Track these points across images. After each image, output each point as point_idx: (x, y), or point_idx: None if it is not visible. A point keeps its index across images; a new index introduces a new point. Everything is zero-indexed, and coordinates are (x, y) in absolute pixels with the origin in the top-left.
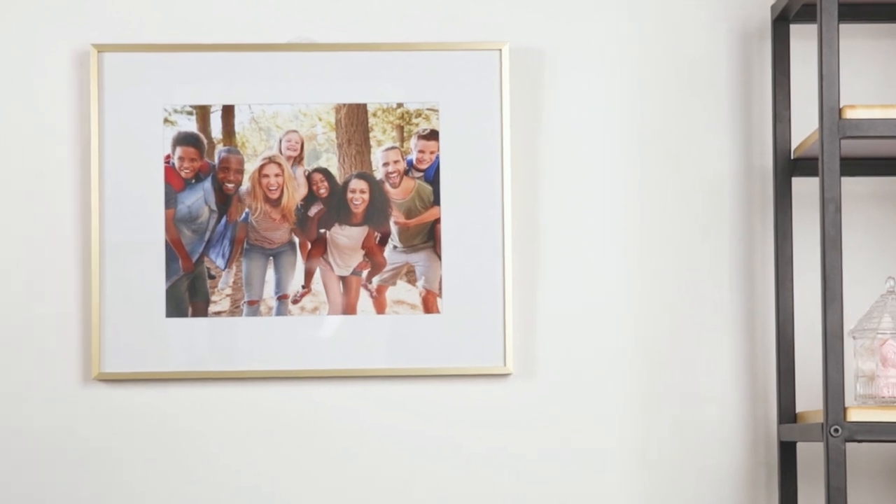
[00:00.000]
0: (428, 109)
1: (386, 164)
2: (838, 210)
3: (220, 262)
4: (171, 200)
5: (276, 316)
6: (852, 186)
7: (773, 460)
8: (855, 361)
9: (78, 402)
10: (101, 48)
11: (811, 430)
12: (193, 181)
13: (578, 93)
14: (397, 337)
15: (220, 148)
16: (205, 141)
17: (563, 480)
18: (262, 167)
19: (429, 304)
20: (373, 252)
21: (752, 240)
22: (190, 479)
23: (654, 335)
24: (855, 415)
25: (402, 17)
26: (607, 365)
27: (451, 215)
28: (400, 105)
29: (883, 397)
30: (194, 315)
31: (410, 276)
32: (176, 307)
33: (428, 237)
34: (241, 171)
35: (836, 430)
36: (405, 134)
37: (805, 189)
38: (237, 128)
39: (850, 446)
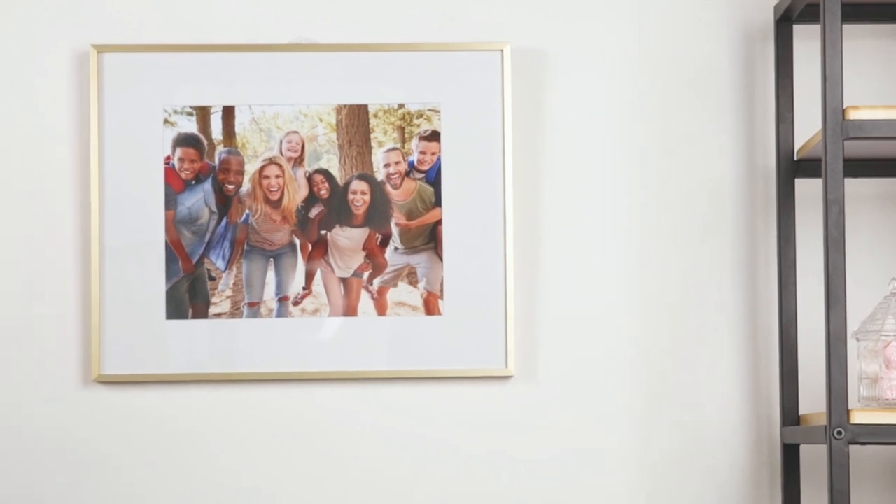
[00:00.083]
0: (429, 110)
1: (387, 166)
2: (842, 211)
3: (221, 264)
4: (171, 202)
5: (277, 318)
6: (856, 188)
7: (776, 463)
8: (858, 363)
9: (78, 404)
10: (101, 48)
11: (814, 433)
12: (193, 182)
13: (580, 93)
14: (398, 339)
15: (220, 149)
16: (205, 142)
17: (565, 483)
18: (262, 168)
19: (430, 306)
20: (374, 253)
21: (754, 241)
22: (190, 481)
23: (656, 337)
24: (858, 417)
25: (402, 18)
26: (609, 367)
27: (453, 217)
28: (401, 106)
29: (886, 399)
30: (194, 317)
31: (412, 278)
32: (176, 309)
33: (429, 238)
34: (241, 173)
35: (840, 433)
36: (406, 135)
37: (808, 190)
38: (237, 129)
39: (853, 449)
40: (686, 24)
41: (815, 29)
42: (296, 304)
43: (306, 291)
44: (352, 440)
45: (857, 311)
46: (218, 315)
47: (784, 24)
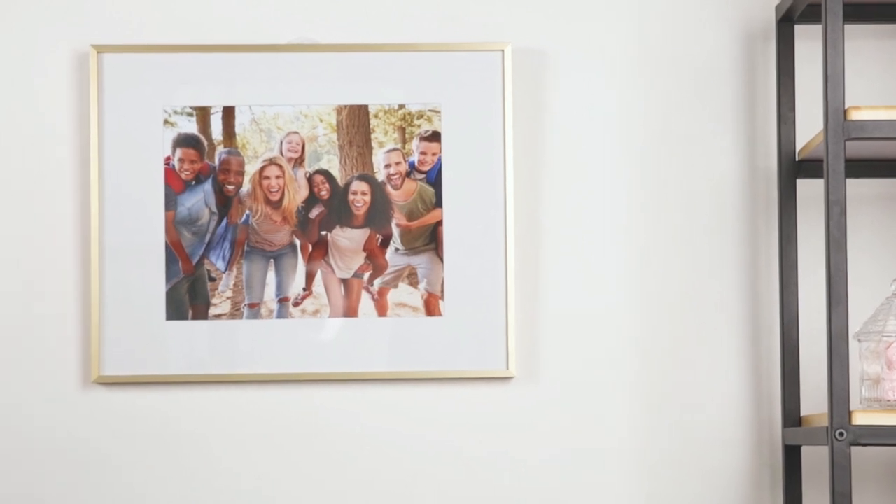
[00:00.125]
0: (430, 111)
1: (388, 166)
2: (843, 212)
3: (221, 265)
4: (171, 202)
5: (277, 319)
6: (857, 188)
7: (777, 464)
8: (860, 364)
9: (77, 406)
10: (101, 49)
11: (816, 434)
12: (193, 183)
13: (581, 94)
14: (399, 340)
15: (220, 149)
16: (205, 142)
17: (566, 484)
18: (262, 169)
19: (431, 307)
20: (374, 254)
21: (756, 242)
22: (190, 482)
23: (657, 338)
24: (860, 418)
25: (403, 18)
26: (611, 368)
27: (454, 217)
28: (402, 106)
29: (888, 400)
30: (194, 318)
31: (412, 279)
32: (176, 310)
33: (430, 239)
34: (241, 173)
35: (841, 434)
36: (407, 135)
37: (810, 191)
38: (238, 129)
39: (855, 450)
40: (687, 25)
41: (816, 29)
42: (296, 304)
43: (307, 292)
44: (352, 441)
45: (858, 311)
46: (218, 316)
47: (785, 24)
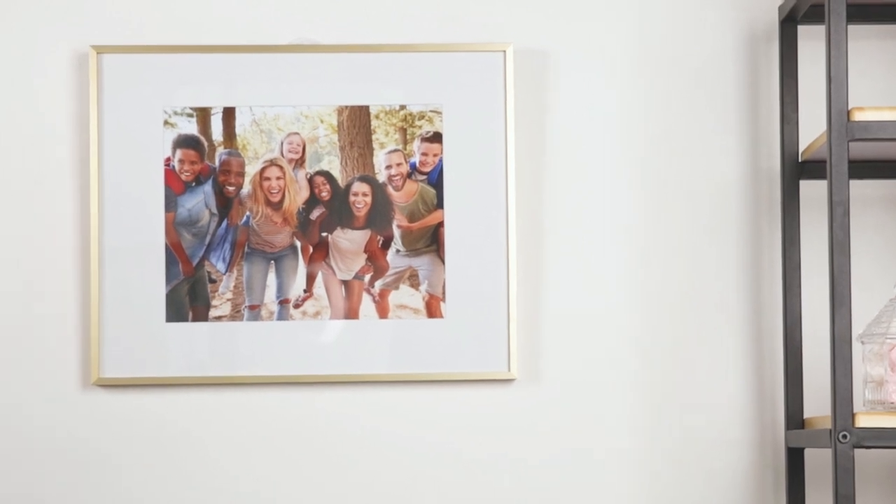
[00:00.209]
0: (431, 111)
1: (389, 167)
2: (846, 213)
3: (221, 266)
4: (171, 203)
5: (278, 320)
6: (861, 189)
7: (780, 466)
8: (863, 366)
9: (77, 408)
10: (101, 49)
11: (819, 437)
12: (194, 184)
13: (582, 94)
14: (400, 342)
15: (220, 150)
16: (205, 143)
17: (568, 486)
18: (263, 170)
19: (432, 309)
20: (375, 256)
21: (759, 243)
22: (190, 484)
23: (660, 340)
24: (863, 421)
25: (403, 18)
26: (613, 370)
27: (455, 218)
28: (403, 107)
29: (892, 403)
30: (195, 320)
31: (413, 280)
32: (176, 312)
33: (431, 241)
34: (241, 174)
35: (845, 437)
36: (408, 136)
37: (813, 192)
38: (238, 130)
39: (858, 452)
40: (690, 25)
41: (819, 30)
42: (297, 306)
43: (307, 294)
44: (353, 444)
45: (862, 313)
46: (218, 318)
47: (788, 25)
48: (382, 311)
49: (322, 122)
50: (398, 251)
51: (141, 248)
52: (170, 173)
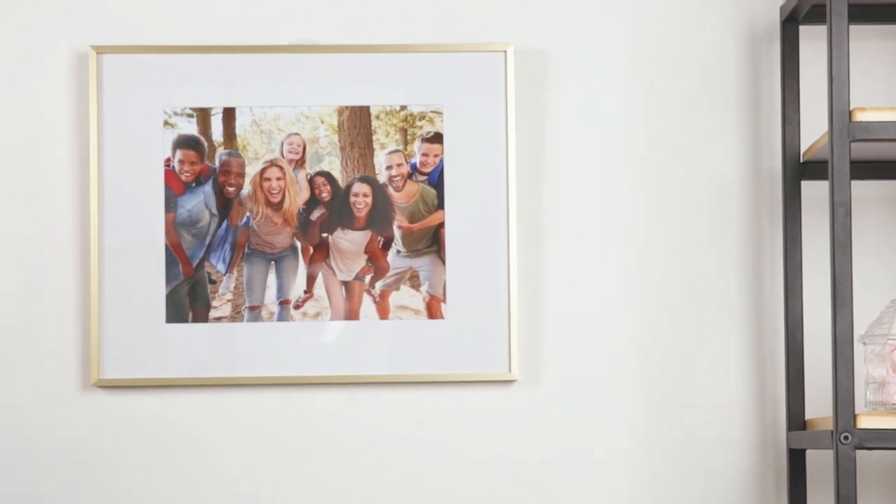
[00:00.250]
0: (432, 112)
1: (389, 168)
2: (848, 214)
3: (221, 267)
4: (171, 204)
5: (278, 321)
6: (862, 190)
7: (781, 468)
8: (865, 367)
9: (77, 409)
10: (101, 49)
11: (821, 438)
12: (194, 185)
13: (583, 95)
14: (401, 343)
15: (220, 151)
16: (205, 144)
17: (569, 487)
18: (263, 170)
19: (433, 310)
20: (376, 257)
21: (760, 244)
22: (189, 485)
23: (661, 341)
24: (865, 422)
25: (404, 18)
26: (614, 371)
27: (456, 219)
28: (403, 107)
29: (894, 404)
30: (195, 320)
31: (414, 281)
32: (176, 312)
33: (432, 241)
34: (242, 175)
35: (846, 438)
36: (409, 137)
37: (814, 192)
38: (238, 130)
39: (860, 453)
40: (691, 25)
41: (821, 30)
42: (297, 307)
43: (308, 295)
44: (353, 444)
45: (863, 314)
46: (218, 319)
47: (790, 25)
48: (383, 312)
49: (322, 122)
50: (399, 252)
51: (141, 248)
52: (170, 174)
